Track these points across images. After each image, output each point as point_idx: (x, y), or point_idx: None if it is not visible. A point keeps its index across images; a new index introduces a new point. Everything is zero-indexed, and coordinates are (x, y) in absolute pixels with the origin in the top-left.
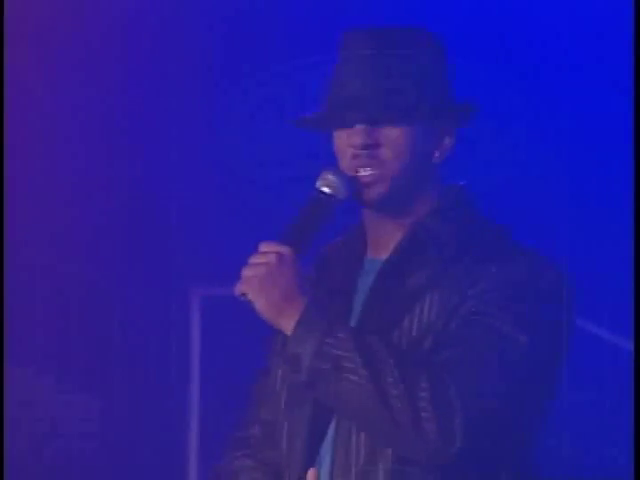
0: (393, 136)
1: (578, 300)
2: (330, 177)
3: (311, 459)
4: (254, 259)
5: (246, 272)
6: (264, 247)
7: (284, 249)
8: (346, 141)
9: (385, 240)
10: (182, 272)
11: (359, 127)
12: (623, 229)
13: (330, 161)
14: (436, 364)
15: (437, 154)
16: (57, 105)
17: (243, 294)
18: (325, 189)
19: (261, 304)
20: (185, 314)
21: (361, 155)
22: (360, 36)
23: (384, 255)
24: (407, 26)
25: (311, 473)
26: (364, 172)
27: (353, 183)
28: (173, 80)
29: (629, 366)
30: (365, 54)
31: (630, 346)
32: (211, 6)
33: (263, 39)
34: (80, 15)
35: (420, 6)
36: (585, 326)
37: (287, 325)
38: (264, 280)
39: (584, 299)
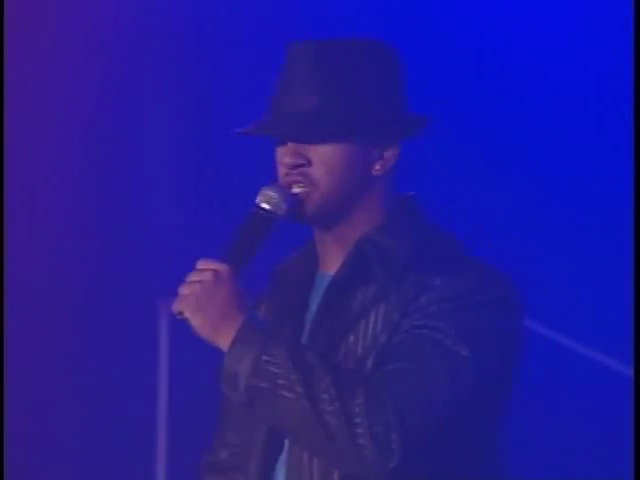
0: (325, 154)
1: (576, 305)
2: (270, 193)
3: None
4: (191, 277)
5: (183, 290)
6: (201, 265)
7: (221, 267)
8: (279, 159)
9: (333, 255)
10: (150, 284)
11: (290, 146)
12: (621, 232)
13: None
14: (374, 380)
15: (378, 167)
16: (57, 105)
17: (180, 312)
18: (265, 205)
19: (197, 322)
20: (154, 326)
21: (291, 173)
22: (300, 48)
23: (332, 271)
24: (356, 38)
25: None
26: (297, 189)
27: (292, 199)
28: (173, 79)
29: (629, 366)
30: (301, 68)
31: (630, 347)
32: (200, 9)
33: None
34: (80, 15)
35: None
36: (584, 327)
37: (224, 343)
38: (200, 298)
39: (583, 303)
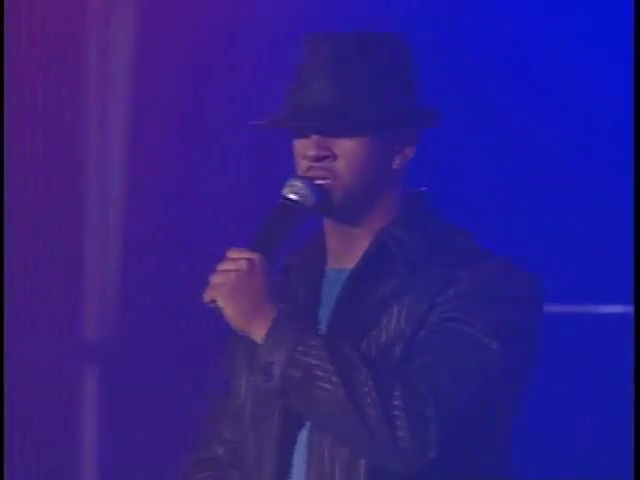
0: (348, 147)
1: (580, 299)
2: (298, 184)
3: (282, 476)
4: (223, 266)
5: (216, 279)
6: (234, 254)
7: (254, 256)
8: (301, 151)
9: (348, 249)
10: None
11: (313, 138)
12: (621, 230)
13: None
14: (408, 372)
15: (397, 161)
16: (56, 106)
17: (212, 301)
18: (292, 196)
19: (231, 311)
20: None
21: (315, 167)
22: (320, 40)
23: (348, 265)
24: (370, 29)
25: None
26: (320, 182)
27: (318, 191)
28: (172, 79)
29: (629, 365)
30: (324, 60)
31: (630, 345)
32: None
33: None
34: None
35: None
36: (584, 327)
37: (257, 333)
38: (234, 287)
39: (584, 300)
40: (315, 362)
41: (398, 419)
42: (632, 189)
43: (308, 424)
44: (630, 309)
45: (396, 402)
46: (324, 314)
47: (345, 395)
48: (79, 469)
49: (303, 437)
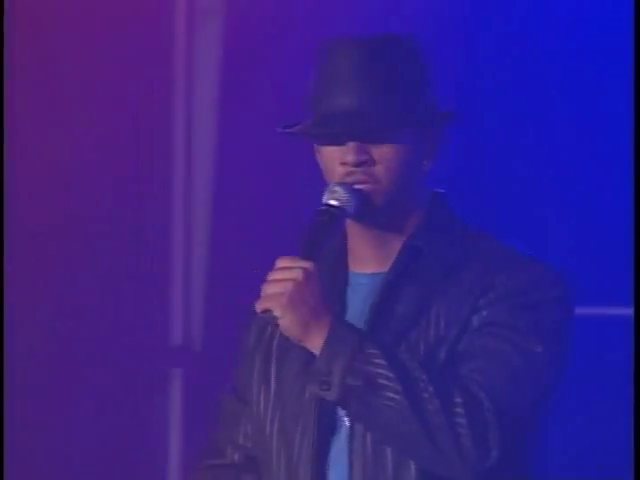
0: (386, 152)
1: (580, 302)
2: (339, 190)
3: None
4: (277, 275)
5: (271, 289)
6: (287, 262)
7: (308, 264)
8: (338, 157)
9: (378, 253)
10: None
11: (352, 144)
12: (622, 230)
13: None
14: (463, 378)
15: (425, 163)
16: (57, 106)
17: (266, 311)
18: (333, 202)
19: (289, 321)
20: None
21: (355, 172)
22: (343, 45)
23: (377, 269)
24: (390, 33)
25: None
26: (360, 186)
27: (359, 196)
28: (172, 79)
29: (629, 365)
30: (352, 66)
31: (630, 344)
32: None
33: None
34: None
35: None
36: (584, 329)
37: (315, 342)
38: (292, 296)
39: (584, 302)
40: (376, 370)
41: (461, 426)
42: (632, 191)
43: (346, 432)
44: (630, 311)
45: (458, 409)
46: (352, 319)
47: (408, 403)
48: (164, 470)
49: (341, 442)
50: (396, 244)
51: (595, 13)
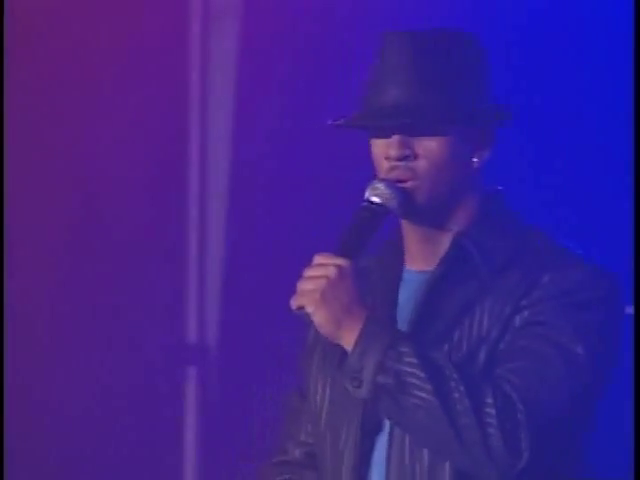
0: (431, 147)
1: None
2: (380, 186)
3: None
4: (311, 272)
5: (305, 285)
6: (321, 259)
7: (343, 261)
8: (383, 151)
9: (427, 251)
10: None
11: (395, 138)
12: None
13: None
14: (497, 378)
15: (475, 160)
16: (58, 106)
17: (300, 307)
18: (375, 199)
19: (321, 317)
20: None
21: (398, 167)
22: (399, 39)
23: (426, 267)
24: (445, 28)
25: None
26: (402, 185)
27: (402, 193)
28: (172, 78)
29: (629, 364)
30: (403, 59)
31: (630, 343)
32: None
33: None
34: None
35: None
36: None
37: (347, 339)
38: (325, 293)
39: None
40: (406, 369)
41: (491, 426)
42: (632, 191)
43: (387, 432)
44: (630, 310)
45: (488, 409)
46: (401, 315)
47: (438, 403)
48: (179, 471)
49: (382, 442)
50: (445, 242)
51: (595, 14)
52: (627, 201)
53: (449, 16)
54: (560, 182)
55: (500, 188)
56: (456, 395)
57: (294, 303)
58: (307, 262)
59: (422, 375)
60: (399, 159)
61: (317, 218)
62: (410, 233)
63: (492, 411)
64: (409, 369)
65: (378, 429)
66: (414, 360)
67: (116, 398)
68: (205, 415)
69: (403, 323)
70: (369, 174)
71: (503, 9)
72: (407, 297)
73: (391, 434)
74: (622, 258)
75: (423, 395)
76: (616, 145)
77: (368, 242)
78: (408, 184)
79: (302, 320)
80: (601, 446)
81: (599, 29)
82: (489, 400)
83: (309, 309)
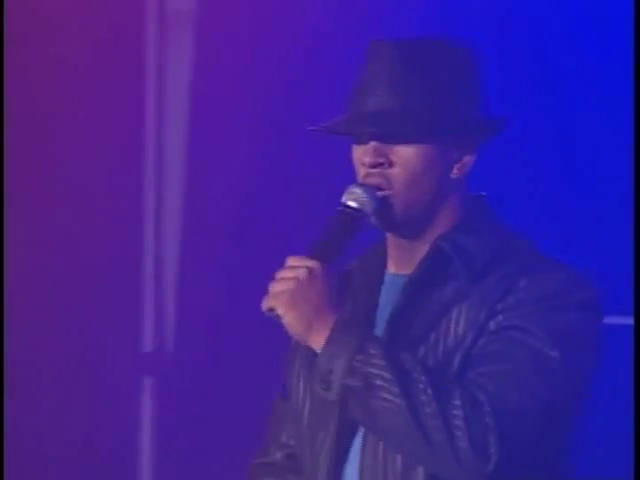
0: (407, 155)
1: None
2: (358, 191)
3: None
4: (283, 274)
5: (275, 287)
6: (292, 262)
7: (313, 263)
8: (360, 158)
9: (408, 256)
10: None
11: (371, 145)
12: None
13: None
14: (468, 381)
15: (455, 170)
16: (58, 106)
17: (270, 309)
18: (352, 203)
19: (290, 319)
20: None
21: (373, 174)
22: (383, 47)
23: (406, 270)
24: (434, 37)
25: None
26: (380, 193)
27: (378, 201)
28: (172, 79)
29: (629, 364)
30: (386, 67)
31: (630, 353)
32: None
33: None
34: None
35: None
36: None
37: (317, 341)
38: (294, 295)
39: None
40: (374, 371)
41: (458, 429)
42: (632, 198)
43: (362, 432)
44: (630, 320)
45: (456, 412)
46: (381, 318)
47: (405, 406)
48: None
49: (358, 444)
50: (425, 245)
51: (595, 14)
52: (628, 209)
53: (449, 17)
54: (558, 189)
55: (483, 194)
56: (423, 398)
57: (264, 305)
58: (278, 265)
59: (389, 377)
60: (373, 166)
61: (286, 221)
62: (390, 237)
63: (460, 413)
64: (377, 371)
65: (354, 431)
66: (382, 362)
67: (74, 405)
68: (161, 423)
69: (382, 326)
70: (350, 179)
71: (503, 9)
72: (387, 300)
73: (365, 436)
74: (622, 269)
75: (390, 397)
76: (616, 149)
77: (344, 246)
78: (385, 192)
79: (259, 327)
80: (601, 446)
81: (599, 30)
82: (457, 402)
83: (279, 311)
